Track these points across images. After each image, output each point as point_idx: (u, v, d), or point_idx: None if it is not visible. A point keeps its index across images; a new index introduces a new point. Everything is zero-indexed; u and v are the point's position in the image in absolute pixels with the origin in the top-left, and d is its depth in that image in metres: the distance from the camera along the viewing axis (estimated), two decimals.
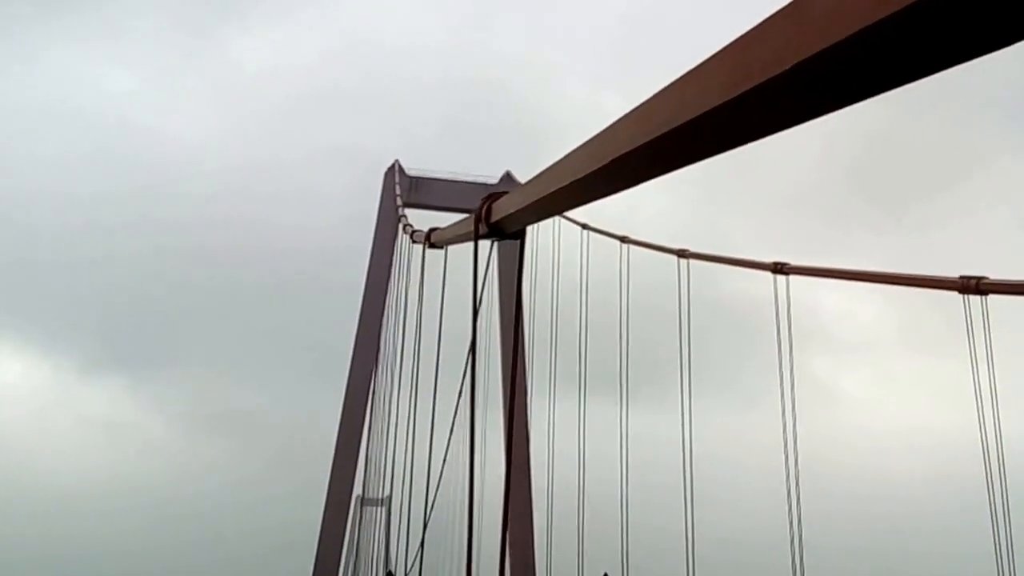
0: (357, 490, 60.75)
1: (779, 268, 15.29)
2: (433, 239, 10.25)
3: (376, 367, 54.87)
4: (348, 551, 67.24)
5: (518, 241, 5.03)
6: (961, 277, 8.47)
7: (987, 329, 8.55)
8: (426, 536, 27.33)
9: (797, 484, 21.64)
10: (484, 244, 6.53)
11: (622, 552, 39.31)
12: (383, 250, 53.56)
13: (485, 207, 4.74)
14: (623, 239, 35.01)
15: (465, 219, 6.13)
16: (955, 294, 9.22)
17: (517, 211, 4.05)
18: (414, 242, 20.59)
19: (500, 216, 4.47)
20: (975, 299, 8.83)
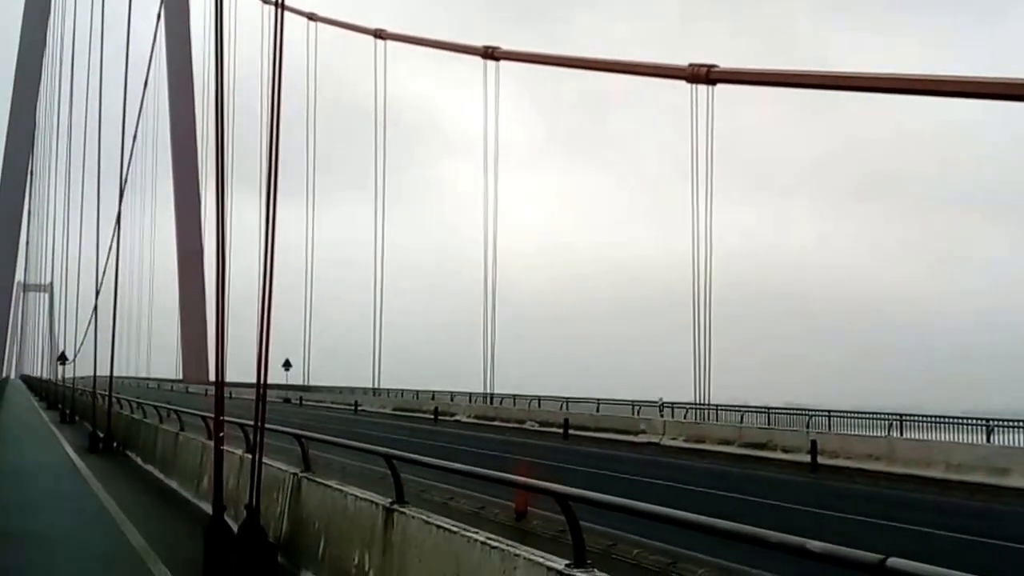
0: (19, 277, 55.45)
1: (490, 53, 14.35)
2: None
3: (33, 142, 48.89)
4: (13, 336, 62.15)
5: None
6: (690, 65, 8.11)
7: (710, 118, 8.34)
8: (98, 319, 25.13)
9: (494, 285, 21.80)
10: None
11: (305, 337, 38.53)
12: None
13: None
14: (311, 16, 32.21)
15: None
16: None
17: None
18: None
19: None
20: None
